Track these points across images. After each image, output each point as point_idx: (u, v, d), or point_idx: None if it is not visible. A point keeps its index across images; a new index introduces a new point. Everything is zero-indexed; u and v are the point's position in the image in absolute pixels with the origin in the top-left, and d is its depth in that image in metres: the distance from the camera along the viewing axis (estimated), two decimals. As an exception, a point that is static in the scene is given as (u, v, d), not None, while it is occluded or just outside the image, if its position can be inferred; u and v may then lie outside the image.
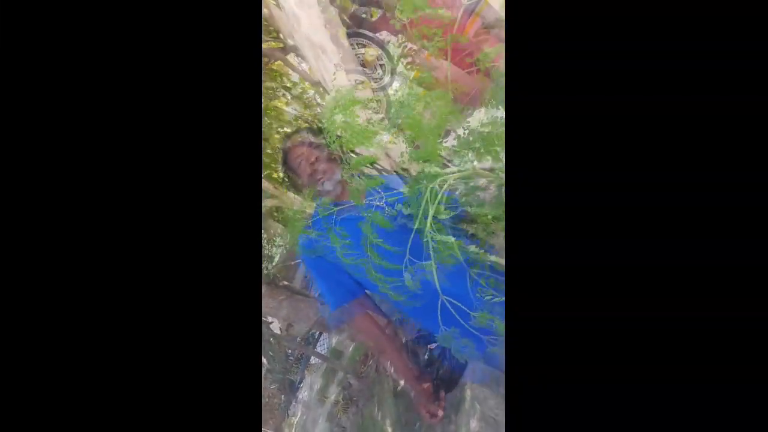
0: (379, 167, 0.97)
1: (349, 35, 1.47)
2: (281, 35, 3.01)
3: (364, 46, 1.55)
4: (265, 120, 3.51)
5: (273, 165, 3.66)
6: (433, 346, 1.83)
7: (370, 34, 1.49)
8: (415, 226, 0.57)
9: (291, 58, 3.20)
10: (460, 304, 0.52)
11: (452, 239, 0.46)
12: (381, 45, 1.51)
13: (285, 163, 0.91)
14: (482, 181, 0.68)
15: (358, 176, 0.86)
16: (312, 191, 0.77)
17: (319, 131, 0.89)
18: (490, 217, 0.72)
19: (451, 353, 1.79)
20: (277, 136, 3.69)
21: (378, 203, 0.78)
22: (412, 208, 0.71)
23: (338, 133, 0.62)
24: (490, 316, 0.49)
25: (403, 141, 0.60)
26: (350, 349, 3.22)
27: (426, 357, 1.80)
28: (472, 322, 0.51)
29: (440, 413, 0.85)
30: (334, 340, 3.44)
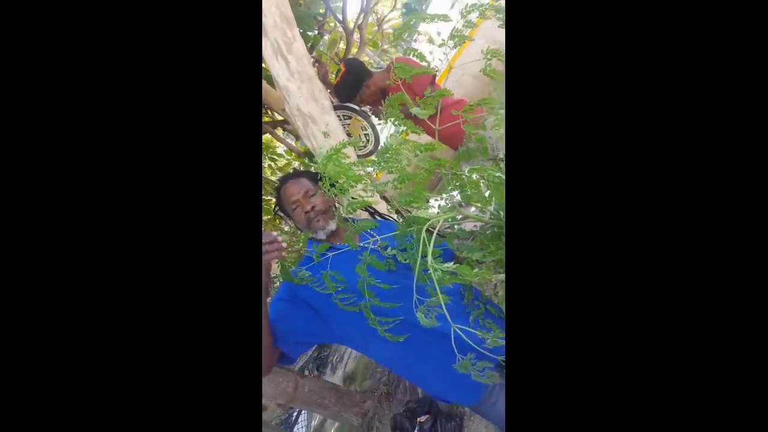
0: (371, 210, 1.00)
1: (335, 107, 1.61)
2: (269, 111, 3.23)
3: (349, 117, 1.68)
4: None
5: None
6: (423, 418, 1.70)
7: (355, 107, 1.63)
8: (416, 271, 0.58)
9: (279, 132, 3.41)
10: (470, 330, 0.52)
11: (452, 265, 0.47)
12: (365, 116, 1.65)
13: (280, 206, 0.93)
14: (469, 226, 0.72)
15: (353, 221, 0.88)
16: (308, 234, 0.77)
17: (315, 177, 0.92)
18: (474, 258, 0.75)
19: (443, 422, 1.66)
20: (264, 205, 3.75)
21: (372, 247, 0.80)
22: (408, 254, 0.73)
23: (332, 183, 0.65)
24: (503, 333, 0.49)
25: (391, 186, 0.64)
26: (332, 430, 2.91)
27: (417, 431, 1.66)
28: (486, 345, 0.51)
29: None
30: (314, 421, 3.11)
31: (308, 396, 2.34)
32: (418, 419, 1.67)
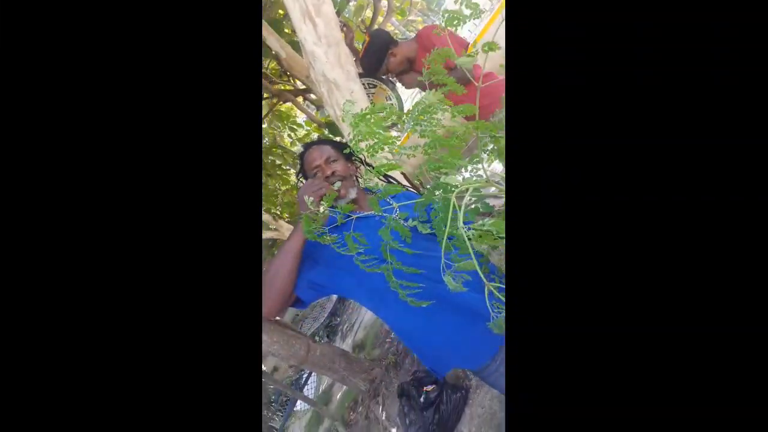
0: (391, 178, 1.00)
1: (361, 75, 1.58)
2: (292, 79, 3.20)
3: (374, 86, 1.65)
4: (269, 158, 3.62)
5: (272, 200, 3.72)
6: (429, 388, 1.75)
7: (382, 77, 1.60)
8: (443, 236, 0.57)
9: (300, 100, 3.38)
10: (499, 285, 0.51)
11: (486, 221, 0.47)
12: (391, 86, 1.62)
13: (302, 173, 0.94)
14: (493, 202, 0.71)
15: (375, 192, 0.89)
16: (333, 195, 0.77)
17: (338, 145, 0.93)
18: (495, 234, 0.74)
19: (449, 392, 1.71)
20: (279, 172, 3.79)
21: (392, 216, 0.80)
22: (434, 222, 0.73)
23: (363, 144, 0.64)
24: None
25: (421, 152, 0.64)
26: (340, 394, 3.04)
27: (422, 399, 1.71)
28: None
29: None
30: (323, 384, 3.25)
31: (319, 359, 2.43)
32: (425, 388, 1.73)
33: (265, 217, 2.70)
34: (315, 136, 3.91)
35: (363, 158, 0.91)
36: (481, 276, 0.48)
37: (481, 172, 0.64)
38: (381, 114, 0.64)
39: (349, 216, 0.78)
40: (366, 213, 0.85)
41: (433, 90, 0.58)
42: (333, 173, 0.87)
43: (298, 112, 3.72)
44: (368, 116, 0.62)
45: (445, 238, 0.57)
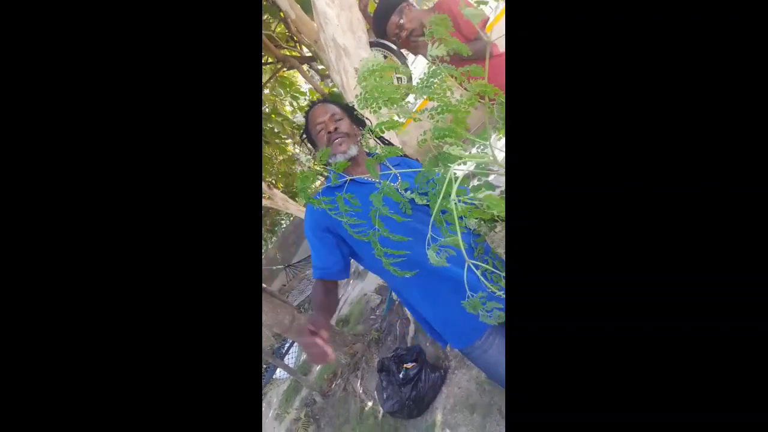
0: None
1: (372, 44, 1.53)
2: (300, 43, 3.10)
3: (384, 57, 1.60)
4: (269, 125, 3.55)
5: (268, 168, 3.66)
6: (410, 365, 1.78)
7: (393, 46, 1.55)
8: (435, 207, 0.56)
9: (305, 68, 3.29)
10: (490, 267, 0.50)
11: (483, 191, 0.45)
12: (401, 58, 1.57)
13: (306, 131, 0.92)
14: (492, 177, 0.69)
15: (375, 152, 0.86)
16: (327, 151, 0.74)
17: (344, 106, 0.90)
18: (496, 214, 0.73)
19: (427, 371, 1.74)
20: (277, 141, 3.72)
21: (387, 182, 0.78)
22: (429, 193, 0.71)
23: (369, 95, 0.61)
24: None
25: (427, 116, 0.61)
26: (319, 366, 3.09)
27: (401, 376, 1.74)
28: (501, 284, 0.50)
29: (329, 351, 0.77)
30: (304, 354, 3.30)
31: (302, 330, 2.46)
32: (405, 365, 1.75)
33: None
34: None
35: (364, 116, 0.88)
36: (463, 253, 0.46)
37: (488, 150, 0.62)
38: (391, 72, 0.61)
39: (344, 177, 0.76)
40: (363, 177, 0.83)
41: (437, 44, 0.55)
42: (336, 129, 0.85)
43: (301, 81, 3.62)
44: (377, 72, 0.59)
45: (437, 210, 0.55)
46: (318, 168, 0.71)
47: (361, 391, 2.30)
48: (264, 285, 2.69)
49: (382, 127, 0.59)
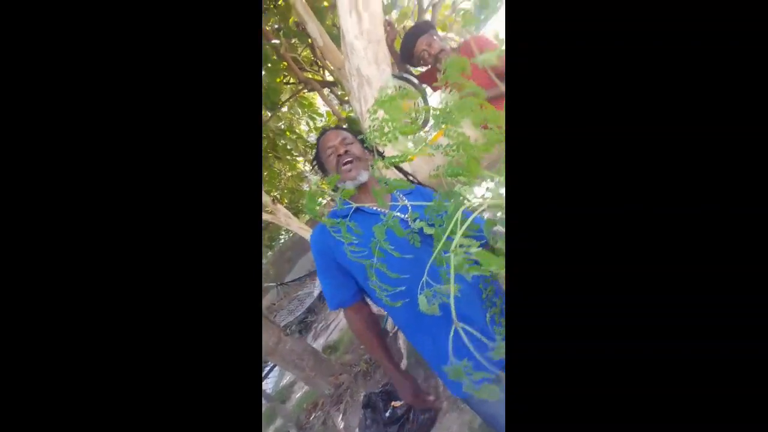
0: (409, 176, 0.97)
1: (394, 76, 1.57)
2: (324, 68, 3.21)
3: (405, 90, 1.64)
4: (282, 141, 3.61)
5: (275, 182, 3.69)
6: (398, 403, 1.70)
7: (414, 80, 1.59)
8: (436, 248, 0.53)
9: (326, 91, 3.39)
10: (477, 333, 0.46)
11: (476, 245, 0.43)
12: (422, 93, 1.61)
13: (316, 157, 0.92)
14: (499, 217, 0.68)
15: (385, 183, 0.85)
16: (336, 177, 0.74)
17: (354, 130, 0.91)
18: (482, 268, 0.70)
19: (417, 412, 1.65)
20: (288, 157, 3.77)
21: (402, 216, 0.77)
22: (435, 227, 0.69)
23: (379, 128, 0.61)
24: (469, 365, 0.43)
25: (441, 152, 0.61)
26: (300, 393, 2.95)
27: (387, 414, 1.65)
28: (489, 354, 0.45)
29: (431, 398, 0.82)
30: (284, 380, 3.16)
31: (287, 354, 2.37)
32: (393, 403, 1.67)
33: (265, 198, 2.66)
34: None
35: (375, 146, 0.88)
36: (452, 310, 0.42)
37: (502, 190, 0.61)
38: (408, 102, 0.61)
39: (348, 201, 0.75)
40: (370, 207, 0.81)
41: (453, 90, 0.55)
42: (346, 152, 0.84)
43: (320, 104, 3.72)
44: (393, 101, 0.59)
45: (438, 249, 0.52)
46: (326, 186, 0.70)
47: (341, 427, 2.18)
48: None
49: (392, 161, 0.59)
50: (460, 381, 0.47)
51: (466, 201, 0.60)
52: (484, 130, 0.62)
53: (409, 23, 3.47)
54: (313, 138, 4.03)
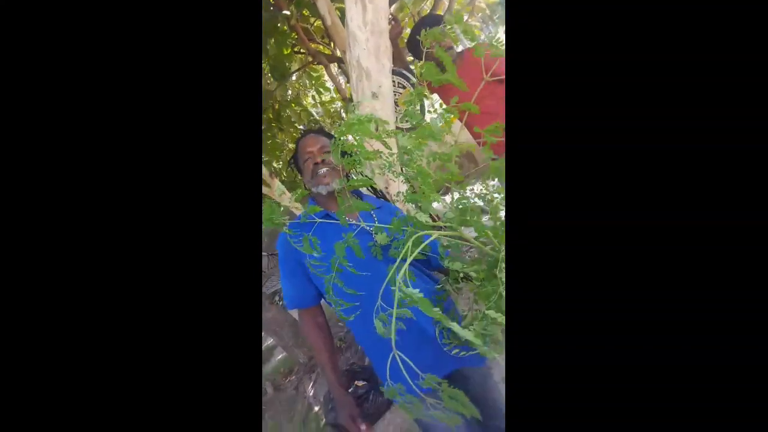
0: (379, 191, 1.01)
1: (394, 72, 1.57)
2: (333, 44, 3.15)
3: (403, 87, 1.65)
4: (287, 113, 3.59)
5: (276, 153, 3.70)
6: (360, 383, 1.81)
7: (412, 77, 1.59)
8: (391, 272, 0.57)
9: (333, 67, 3.33)
10: (410, 363, 0.50)
11: (417, 293, 0.47)
12: (419, 91, 1.61)
13: (294, 157, 0.95)
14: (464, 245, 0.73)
15: (352, 194, 0.89)
16: (303, 193, 0.76)
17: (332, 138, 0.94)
18: (460, 274, 0.76)
19: (376, 394, 1.76)
20: (291, 129, 3.76)
21: (367, 226, 0.82)
22: (391, 248, 0.74)
23: (344, 152, 0.65)
24: (438, 379, 0.48)
25: (402, 181, 0.65)
26: (279, 357, 3.11)
27: (350, 391, 1.77)
28: (420, 383, 0.50)
29: (363, 428, 0.84)
30: (265, 342, 3.32)
31: (269, 322, 2.49)
32: (356, 382, 1.78)
33: (264, 171, 2.70)
34: (338, 105, 3.86)
35: (341, 168, 0.91)
36: (392, 338, 0.48)
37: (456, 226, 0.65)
38: (370, 126, 0.64)
39: (313, 217, 0.79)
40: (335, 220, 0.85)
41: (408, 134, 0.59)
42: (323, 161, 0.88)
43: (328, 78, 3.67)
44: (356, 126, 0.63)
45: (391, 273, 0.57)
46: (287, 206, 0.74)
47: (311, 394, 2.33)
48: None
49: (353, 184, 0.63)
50: (394, 399, 0.54)
51: (420, 228, 0.65)
52: (439, 165, 0.66)
53: (427, 5, 3.36)
54: (317, 112, 3.99)
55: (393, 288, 0.58)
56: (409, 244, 0.55)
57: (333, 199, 0.89)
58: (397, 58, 1.65)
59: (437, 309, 0.46)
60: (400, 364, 0.49)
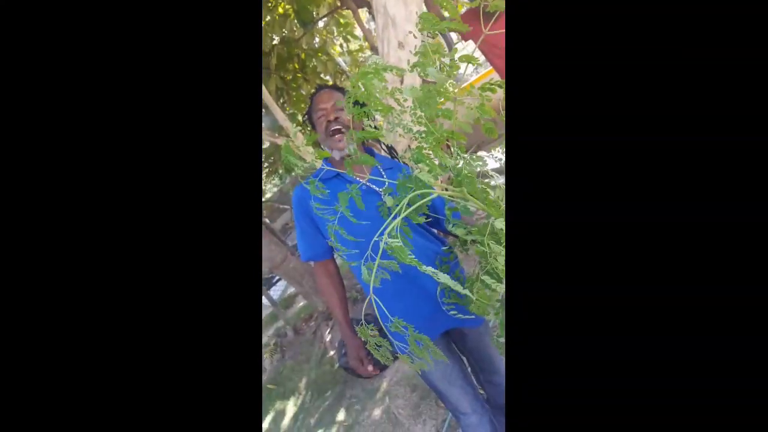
0: (390, 148, 0.99)
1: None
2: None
3: (432, 38, 1.54)
4: (313, 62, 3.48)
5: (302, 105, 3.66)
6: (372, 331, 1.91)
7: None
8: (387, 222, 0.58)
9: (362, 13, 3.15)
10: (383, 308, 0.54)
11: (397, 242, 0.48)
12: (449, 44, 1.51)
13: (308, 113, 0.94)
14: (473, 207, 0.71)
15: (365, 150, 0.87)
16: (311, 138, 0.74)
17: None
18: (467, 238, 0.76)
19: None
20: (317, 81, 3.67)
21: (374, 187, 0.81)
22: (397, 200, 0.74)
23: (357, 101, 0.63)
24: (404, 323, 0.51)
25: (411, 137, 0.63)
26: (301, 304, 3.31)
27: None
28: (389, 326, 0.54)
29: (370, 369, 0.90)
30: (289, 290, 3.52)
31: (291, 271, 2.61)
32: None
33: (289, 125, 2.69)
34: (367, 53, 3.71)
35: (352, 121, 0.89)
36: (370, 285, 0.50)
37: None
38: (387, 74, 0.61)
39: (333, 171, 0.79)
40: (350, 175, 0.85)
41: (421, 87, 0.56)
42: (336, 119, 0.86)
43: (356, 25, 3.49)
44: (370, 75, 0.60)
45: (384, 225, 0.58)
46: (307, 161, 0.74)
47: (327, 340, 2.48)
48: (267, 220, 2.81)
49: (362, 136, 0.62)
50: (416, 370, 0.58)
51: (420, 187, 0.64)
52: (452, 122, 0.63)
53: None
54: (345, 61, 3.85)
55: (382, 240, 0.59)
56: (405, 201, 0.55)
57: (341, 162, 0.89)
58: (431, 8, 1.54)
59: (411, 257, 0.47)
60: (374, 307, 0.52)
